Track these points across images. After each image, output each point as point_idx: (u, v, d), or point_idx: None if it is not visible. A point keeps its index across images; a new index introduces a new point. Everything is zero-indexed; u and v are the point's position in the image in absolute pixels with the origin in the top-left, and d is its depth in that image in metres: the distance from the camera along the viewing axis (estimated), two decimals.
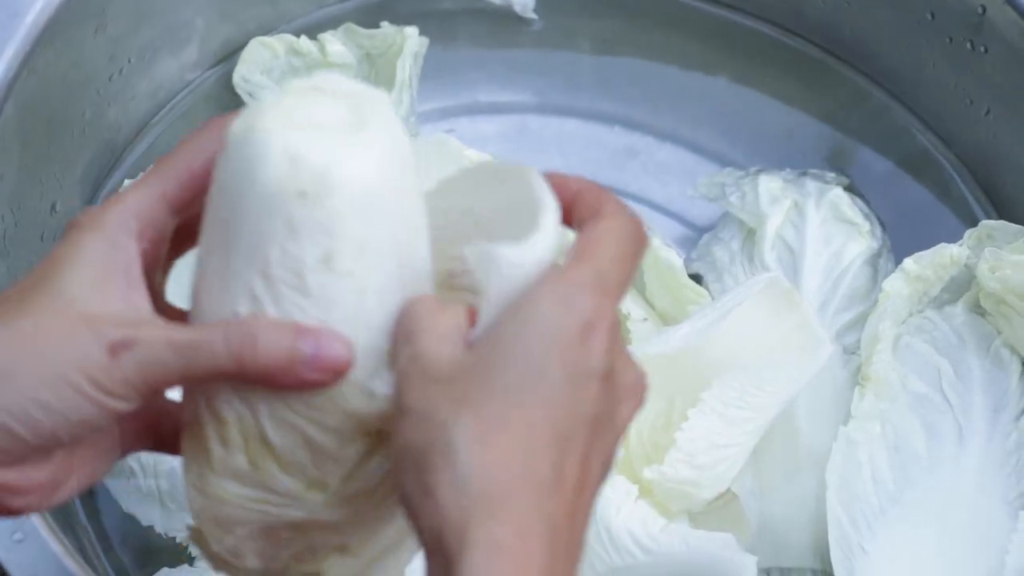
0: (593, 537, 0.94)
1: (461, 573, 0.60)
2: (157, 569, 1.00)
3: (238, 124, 0.63)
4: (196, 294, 0.66)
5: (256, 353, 0.64)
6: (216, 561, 0.69)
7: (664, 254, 1.08)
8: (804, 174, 1.17)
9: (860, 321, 1.09)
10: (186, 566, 1.00)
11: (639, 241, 0.67)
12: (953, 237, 1.11)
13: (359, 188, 0.62)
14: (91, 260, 0.66)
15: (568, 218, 0.67)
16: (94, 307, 0.65)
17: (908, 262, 1.07)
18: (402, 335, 0.65)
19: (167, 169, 0.68)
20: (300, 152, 0.61)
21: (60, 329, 0.65)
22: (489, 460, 0.61)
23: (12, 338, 0.65)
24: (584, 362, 0.63)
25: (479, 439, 0.62)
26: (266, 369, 0.64)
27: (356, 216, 0.62)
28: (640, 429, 0.98)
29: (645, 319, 1.04)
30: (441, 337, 0.64)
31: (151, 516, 1.01)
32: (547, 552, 0.62)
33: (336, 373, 0.65)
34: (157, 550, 1.02)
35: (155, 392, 0.65)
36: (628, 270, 0.66)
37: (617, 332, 0.66)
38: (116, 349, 0.64)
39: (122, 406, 0.65)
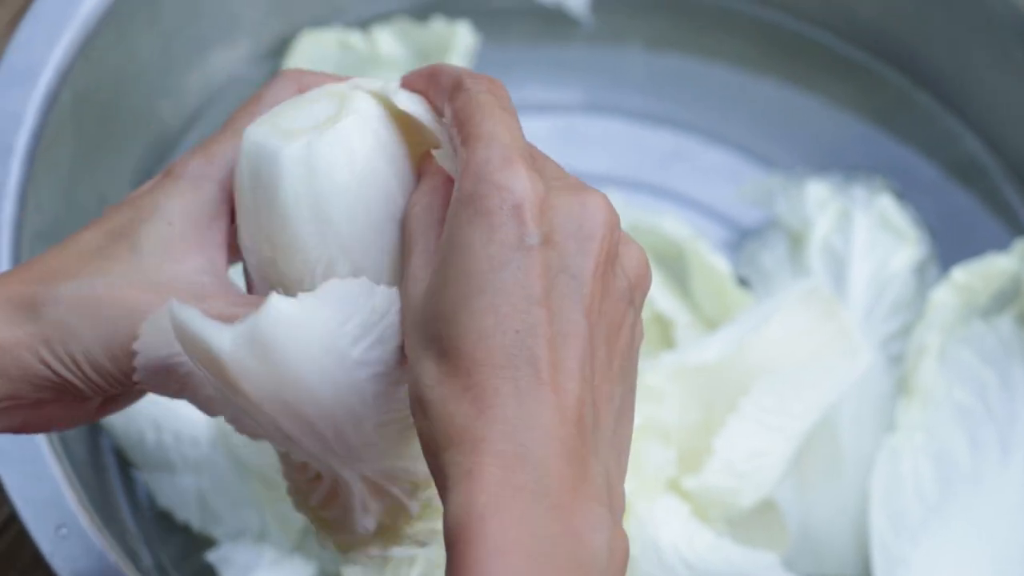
0: (640, 552, 0.94)
1: (449, 501, 0.58)
2: (198, 563, 1.01)
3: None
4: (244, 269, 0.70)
5: None
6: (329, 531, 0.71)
7: (711, 260, 1.07)
8: (851, 180, 1.16)
9: (906, 330, 1.08)
10: (247, 543, 1.00)
11: (498, 90, 0.64)
12: (1000, 244, 1.10)
13: (302, 176, 0.66)
14: (171, 214, 0.67)
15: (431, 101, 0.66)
16: (167, 272, 0.66)
17: (956, 272, 1.07)
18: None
19: (248, 117, 0.69)
20: (260, 151, 0.66)
21: (128, 297, 0.66)
22: (451, 398, 0.59)
23: (85, 295, 0.66)
24: (522, 248, 0.60)
25: (442, 375, 0.60)
26: None
27: (306, 200, 0.66)
28: (680, 438, 0.98)
29: (691, 324, 1.04)
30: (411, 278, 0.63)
31: (187, 513, 1.02)
32: (526, 458, 0.58)
33: None
34: (199, 545, 1.02)
35: None
36: (514, 128, 0.63)
37: (541, 180, 0.61)
38: None
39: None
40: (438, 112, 0.66)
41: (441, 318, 0.61)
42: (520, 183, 0.61)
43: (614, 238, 0.62)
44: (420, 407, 0.61)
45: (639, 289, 0.65)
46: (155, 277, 0.66)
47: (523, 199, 0.60)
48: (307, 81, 0.71)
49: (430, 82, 0.67)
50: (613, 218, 0.62)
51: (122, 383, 0.67)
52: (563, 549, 0.57)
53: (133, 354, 0.66)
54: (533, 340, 0.60)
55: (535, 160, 0.63)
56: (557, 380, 0.60)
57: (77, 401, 0.69)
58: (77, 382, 0.67)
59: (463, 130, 0.63)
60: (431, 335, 0.61)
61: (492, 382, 0.59)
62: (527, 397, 0.59)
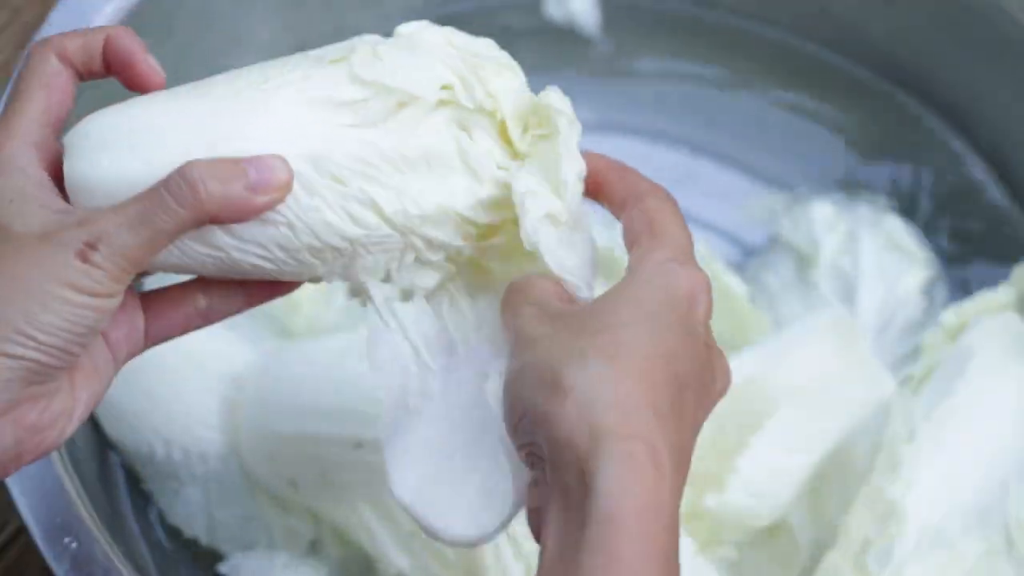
0: None
1: (598, 481, 0.64)
2: None
3: None
4: None
5: (198, 194, 0.69)
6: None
7: (727, 280, 1.07)
8: (856, 198, 1.16)
9: (916, 352, 1.08)
10: (258, 550, 1.00)
11: (677, 206, 0.76)
12: (1004, 264, 1.11)
13: None
14: (15, 192, 0.71)
15: (594, 192, 0.77)
16: (42, 228, 0.69)
17: (948, 315, 1.06)
18: (514, 298, 0.72)
19: (37, 96, 0.73)
20: None
21: (25, 256, 0.69)
22: (617, 382, 0.66)
23: None
24: (692, 321, 0.70)
25: (607, 364, 0.67)
26: (221, 204, 0.69)
27: None
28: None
29: None
30: (547, 291, 0.72)
31: (196, 527, 1.02)
32: (675, 473, 0.66)
33: (284, 188, 0.70)
34: (207, 560, 1.02)
35: (138, 271, 0.70)
36: (691, 240, 0.74)
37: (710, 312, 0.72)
38: (84, 254, 0.68)
39: (111, 303, 0.69)
40: (613, 197, 0.77)
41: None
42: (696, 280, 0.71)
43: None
44: (563, 392, 0.66)
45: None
46: (37, 234, 0.69)
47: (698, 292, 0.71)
48: (60, 45, 0.75)
49: (619, 176, 0.78)
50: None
51: (76, 333, 0.69)
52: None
53: None
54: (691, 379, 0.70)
55: None
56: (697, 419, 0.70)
57: (47, 400, 0.71)
58: (38, 355, 0.68)
59: (653, 227, 0.73)
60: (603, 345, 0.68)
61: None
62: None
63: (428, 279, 0.76)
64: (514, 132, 0.75)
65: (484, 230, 0.75)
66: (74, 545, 0.87)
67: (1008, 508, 0.97)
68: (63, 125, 0.75)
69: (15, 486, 0.88)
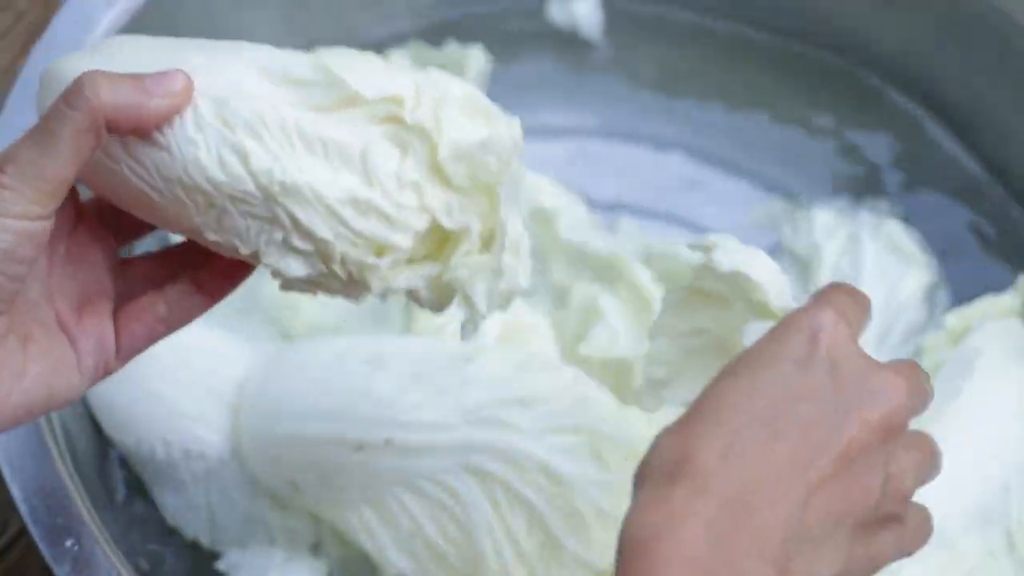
0: None
1: None
2: None
3: None
4: None
5: (93, 97, 0.70)
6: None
7: None
8: (857, 204, 1.16)
9: (917, 355, 1.08)
10: (256, 547, 1.00)
11: (865, 303, 0.73)
12: (1006, 268, 1.11)
13: None
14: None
15: None
16: None
17: (951, 318, 1.07)
18: None
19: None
20: None
21: None
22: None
23: None
24: (816, 386, 0.69)
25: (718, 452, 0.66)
26: (114, 106, 0.70)
27: None
28: None
29: None
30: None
31: (197, 529, 1.02)
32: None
33: (185, 94, 0.71)
34: (208, 560, 1.02)
35: (57, 191, 0.70)
36: (861, 311, 0.72)
37: (855, 341, 0.71)
38: None
39: (37, 225, 0.70)
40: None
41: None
42: (827, 318, 0.70)
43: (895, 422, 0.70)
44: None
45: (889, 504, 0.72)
46: None
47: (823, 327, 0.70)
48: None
49: (856, 299, 0.73)
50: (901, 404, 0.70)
51: None
52: None
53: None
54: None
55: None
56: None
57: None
58: None
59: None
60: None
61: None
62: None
63: (294, 267, 0.75)
64: (451, 165, 0.74)
65: (378, 247, 0.75)
66: (75, 547, 0.87)
67: (1010, 510, 0.97)
68: None
69: (16, 487, 0.88)
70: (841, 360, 0.69)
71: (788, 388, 0.68)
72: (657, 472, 0.67)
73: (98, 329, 0.76)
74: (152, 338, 0.78)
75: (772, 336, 0.70)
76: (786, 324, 0.70)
